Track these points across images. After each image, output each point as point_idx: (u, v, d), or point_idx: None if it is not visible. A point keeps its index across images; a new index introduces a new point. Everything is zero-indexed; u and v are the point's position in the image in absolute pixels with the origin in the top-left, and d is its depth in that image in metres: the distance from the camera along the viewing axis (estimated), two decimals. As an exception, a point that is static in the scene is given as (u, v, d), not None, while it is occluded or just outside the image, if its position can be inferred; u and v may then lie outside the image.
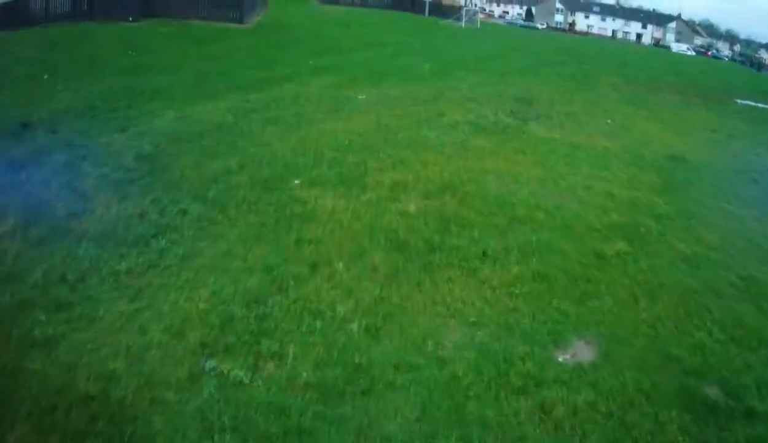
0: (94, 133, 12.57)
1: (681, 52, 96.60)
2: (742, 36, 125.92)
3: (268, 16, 42.66)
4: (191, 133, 13.31)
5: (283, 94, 18.40)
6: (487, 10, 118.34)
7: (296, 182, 11.04)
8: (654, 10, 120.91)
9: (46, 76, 16.82)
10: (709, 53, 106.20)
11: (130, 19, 29.82)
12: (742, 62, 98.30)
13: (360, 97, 19.61)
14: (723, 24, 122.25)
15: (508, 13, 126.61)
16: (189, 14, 33.41)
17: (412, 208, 10.38)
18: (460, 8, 70.88)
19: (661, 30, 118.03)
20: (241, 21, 35.43)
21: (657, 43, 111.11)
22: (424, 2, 72.03)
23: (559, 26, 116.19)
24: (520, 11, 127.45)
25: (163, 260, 7.83)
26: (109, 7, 29.54)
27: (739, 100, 32.27)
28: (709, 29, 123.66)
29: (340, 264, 8.21)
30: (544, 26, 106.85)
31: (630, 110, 23.37)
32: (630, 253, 9.69)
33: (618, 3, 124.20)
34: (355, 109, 17.64)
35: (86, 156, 11.05)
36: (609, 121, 20.54)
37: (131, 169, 10.77)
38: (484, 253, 8.95)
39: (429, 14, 69.29)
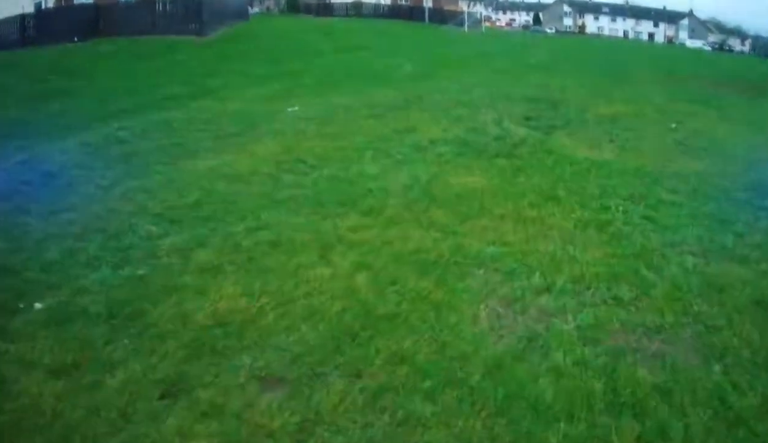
0: None
1: (697, 48, 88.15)
2: (751, 31, 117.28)
3: (242, 27, 36.45)
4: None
5: (188, 113, 12.46)
6: (493, 18, 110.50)
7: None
8: (665, 7, 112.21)
9: None
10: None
11: (75, 40, 26.40)
12: (761, 55, 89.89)
13: (291, 109, 12.82)
14: (730, 21, 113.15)
15: (514, 20, 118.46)
16: (144, 30, 28.89)
17: None
18: (462, 13, 63.01)
19: (674, 27, 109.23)
20: (201, 33, 30.16)
21: (670, 41, 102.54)
22: (424, 9, 64.43)
23: (568, 30, 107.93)
24: (527, 18, 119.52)
25: None
26: (56, 30, 26.41)
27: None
28: (719, 26, 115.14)
29: None
30: (553, 30, 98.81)
31: (690, 108, 15.65)
32: None
33: (627, 2, 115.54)
34: (271, 131, 10.76)
35: None
36: (673, 125, 12.77)
37: None
38: None
39: (429, 21, 61.63)
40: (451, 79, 17.85)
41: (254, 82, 16.90)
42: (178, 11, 31.33)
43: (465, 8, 70.41)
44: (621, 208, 6.81)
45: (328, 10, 64.62)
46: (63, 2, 34.97)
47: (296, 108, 12.85)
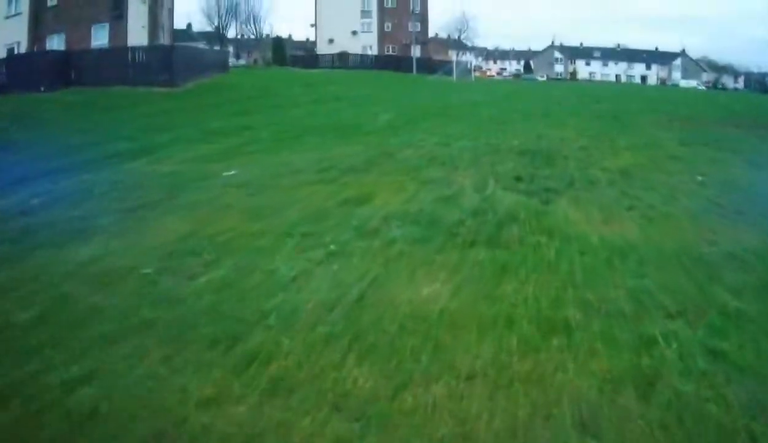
0: None
1: (691, 87, 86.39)
2: (742, 68, 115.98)
3: (220, 79, 34.43)
4: None
5: (118, 176, 10.27)
6: (483, 68, 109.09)
7: None
8: (656, 48, 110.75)
9: None
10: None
11: (42, 89, 24.81)
12: (756, 90, 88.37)
13: (227, 173, 10.31)
14: (721, 58, 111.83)
15: (505, 69, 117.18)
16: (114, 80, 27.21)
17: None
18: (451, 62, 61.08)
19: (666, 68, 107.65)
20: (172, 85, 28.25)
21: (663, 82, 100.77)
22: (411, 59, 62.62)
23: (560, 76, 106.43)
24: (518, 66, 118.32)
25: None
26: (25, 78, 25.23)
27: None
28: (711, 64, 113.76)
29: None
30: (544, 78, 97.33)
31: (709, 154, 13.22)
32: None
33: (619, 46, 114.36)
34: (188, 204, 8.22)
35: None
36: (700, 177, 10.13)
37: None
38: None
39: (418, 71, 59.71)
40: (431, 130, 15.27)
41: (206, 138, 14.44)
42: (151, 61, 29.37)
43: (454, 57, 68.78)
44: (671, 341, 4.05)
45: (313, 62, 63.06)
46: (35, 47, 33.02)
47: (233, 172, 10.26)
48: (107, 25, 34.61)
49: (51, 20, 33.77)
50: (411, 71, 59.69)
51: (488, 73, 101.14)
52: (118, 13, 34.92)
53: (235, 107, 21.68)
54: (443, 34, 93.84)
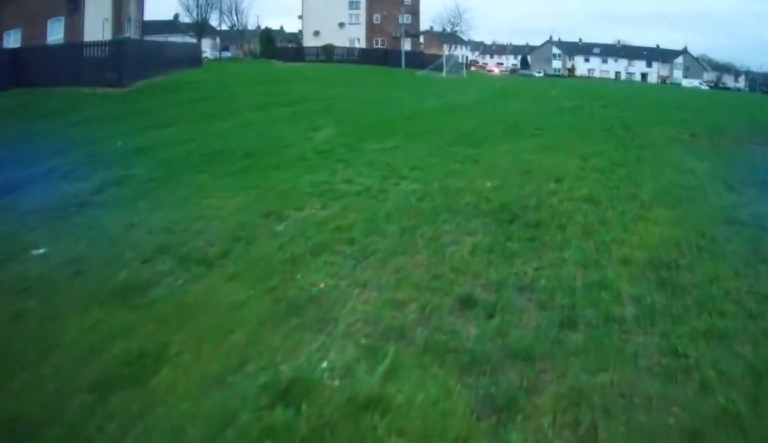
0: None
1: (693, 87, 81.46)
2: (742, 68, 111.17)
3: (181, 76, 29.78)
4: None
5: None
6: (480, 63, 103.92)
7: None
8: (658, 46, 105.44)
9: None
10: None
11: None
12: (762, 91, 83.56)
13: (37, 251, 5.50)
14: (721, 57, 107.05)
15: (502, 64, 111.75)
16: (64, 80, 23.51)
17: None
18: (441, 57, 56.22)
19: (668, 67, 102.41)
20: (119, 84, 24.22)
21: (664, 81, 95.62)
22: (400, 53, 57.71)
23: (557, 72, 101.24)
24: (515, 61, 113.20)
25: None
26: None
27: None
28: (711, 63, 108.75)
29: None
30: (542, 74, 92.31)
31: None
32: None
33: (619, 42, 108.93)
34: None
35: None
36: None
37: None
38: None
39: (406, 66, 54.82)
40: (373, 158, 10.54)
41: (79, 170, 9.98)
42: (101, 58, 24.73)
43: (444, 52, 63.71)
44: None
45: (299, 55, 58.40)
46: None
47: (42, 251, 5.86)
48: (63, 19, 29.91)
49: (8, 15, 29.13)
50: (399, 66, 54.90)
51: (487, 68, 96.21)
52: (73, 6, 30.12)
53: (160, 116, 17.02)
54: (438, 28, 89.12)
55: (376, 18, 64.22)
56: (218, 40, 74.97)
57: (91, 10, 31.04)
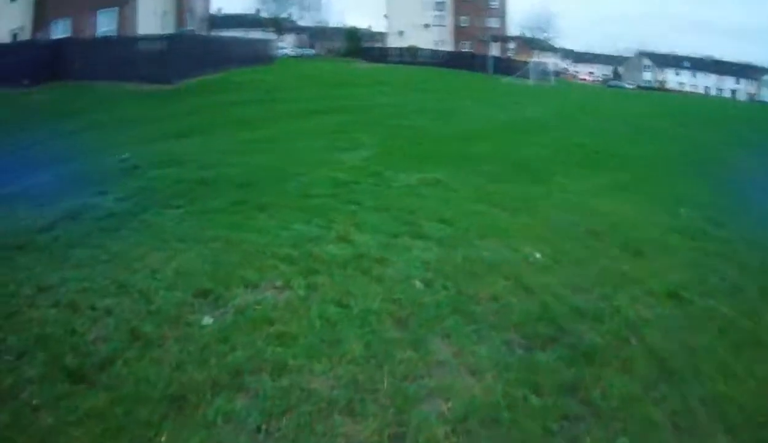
0: None
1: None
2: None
3: (235, 74, 27.72)
4: None
5: None
6: (571, 71, 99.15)
7: None
8: (748, 63, 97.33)
9: None
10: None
11: (25, 83, 21.39)
12: None
13: None
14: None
15: (593, 73, 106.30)
16: (107, 75, 22.52)
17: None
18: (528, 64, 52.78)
19: (756, 84, 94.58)
20: (167, 82, 22.79)
21: (752, 99, 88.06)
22: (487, 58, 54.70)
23: (649, 85, 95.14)
24: (607, 71, 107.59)
25: None
26: (10, 69, 21.43)
27: None
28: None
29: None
30: (633, 86, 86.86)
31: None
32: None
33: (708, 57, 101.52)
34: None
35: None
36: None
37: None
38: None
39: (494, 72, 51.73)
40: (395, 201, 8.03)
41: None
42: (151, 53, 23.31)
43: (533, 58, 60.19)
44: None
45: (381, 56, 56.35)
46: (39, 33, 28.03)
47: None
48: (116, 11, 28.88)
49: (56, 4, 28.40)
50: (485, 71, 51.95)
51: (580, 77, 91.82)
52: (126, -3, 29.15)
53: (187, 122, 15.34)
54: (528, 34, 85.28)
55: (463, 21, 61.50)
56: (301, 37, 73.81)
57: (146, 2, 29.95)
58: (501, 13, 63.79)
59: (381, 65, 49.45)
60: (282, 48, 57.88)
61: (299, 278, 5.24)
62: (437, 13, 61.25)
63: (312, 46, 74.88)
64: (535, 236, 6.88)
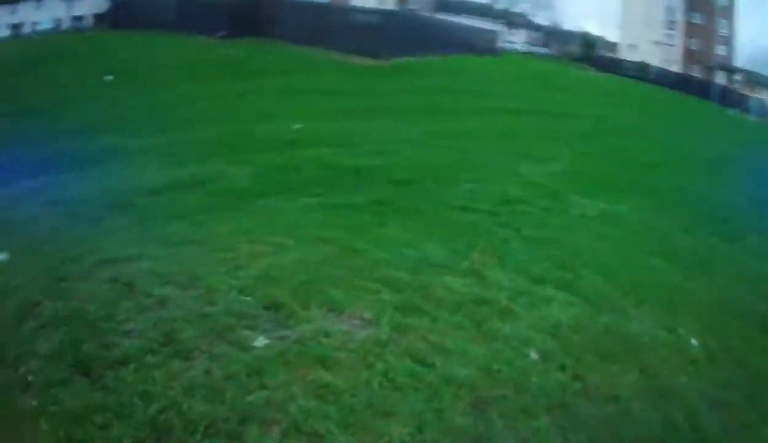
0: None
1: None
2: None
3: (450, 60, 26.64)
4: None
5: None
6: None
7: None
8: None
9: None
10: None
11: (220, 34, 21.69)
12: None
13: None
14: None
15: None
16: (310, 40, 22.18)
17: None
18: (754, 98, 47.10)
19: None
20: (376, 56, 22.54)
21: None
22: (713, 86, 49.49)
23: None
24: None
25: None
26: (204, 19, 22.07)
27: None
28: None
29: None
30: None
31: None
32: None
33: None
34: None
35: None
36: None
37: None
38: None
39: (720, 102, 46.50)
40: (566, 242, 6.63)
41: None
42: (364, 25, 23.26)
43: (756, 94, 53.45)
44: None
45: (613, 66, 52.96)
46: None
47: None
48: None
49: None
50: (712, 99, 46.93)
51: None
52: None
53: (386, 101, 14.90)
54: (753, 68, 76.93)
55: (693, 43, 56.30)
56: (535, 34, 71.53)
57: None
58: (729, 42, 57.69)
59: (611, 76, 46.75)
60: (511, 42, 56.25)
61: (394, 314, 4.25)
62: (668, 31, 56.65)
63: (546, 46, 72.23)
64: (703, 314, 5.31)
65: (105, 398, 3.14)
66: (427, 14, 38.61)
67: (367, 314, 4.19)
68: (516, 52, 52.08)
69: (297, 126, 10.63)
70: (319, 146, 9.32)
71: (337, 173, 7.92)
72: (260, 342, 3.76)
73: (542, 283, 5.17)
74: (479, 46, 34.43)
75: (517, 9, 69.92)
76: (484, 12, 65.35)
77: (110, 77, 14.57)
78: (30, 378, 3.33)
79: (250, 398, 3.19)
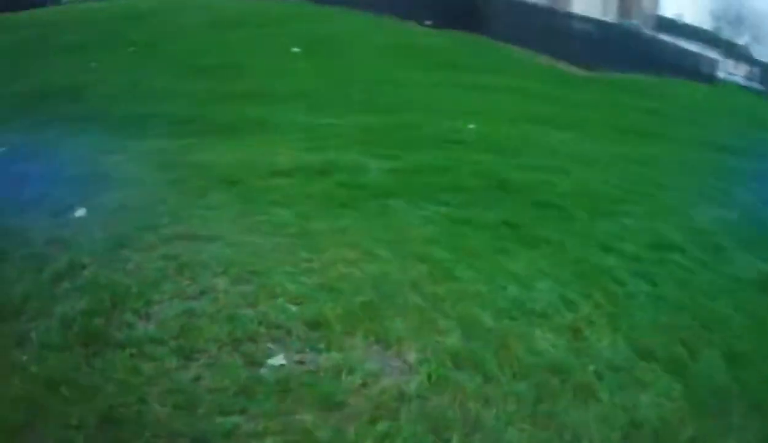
0: None
1: None
2: None
3: (657, 82, 24.34)
4: None
5: None
6: None
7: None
8: None
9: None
10: None
11: (427, 23, 21.08)
12: None
13: None
14: None
15: None
16: (521, 40, 21.30)
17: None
18: None
19: None
20: (588, 67, 21.73)
21: None
22: None
23: None
24: None
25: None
26: (417, 7, 21.68)
27: None
28: None
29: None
30: None
31: None
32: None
33: None
34: None
35: None
36: None
37: None
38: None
39: None
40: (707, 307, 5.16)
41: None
42: (579, 33, 22.57)
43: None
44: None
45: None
46: None
47: None
48: None
49: None
50: None
51: None
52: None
53: (583, 113, 14.03)
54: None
55: None
56: (751, 68, 65.34)
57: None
58: None
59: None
60: (732, 73, 51.60)
61: (441, 364, 3.42)
62: None
63: (762, 82, 65.56)
64: None
65: (83, 374, 2.98)
66: (649, 32, 36.38)
67: (412, 357, 3.42)
68: (735, 84, 47.52)
69: (471, 126, 9.94)
70: (484, 150, 8.51)
71: (484, 182, 7.04)
72: (276, 360, 3.24)
73: (649, 359, 4.14)
74: (694, 72, 31.79)
75: (740, 40, 64.39)
76: (707, 39, 60.45)
77: (297, 49, 14.75)
78: (32, 334, 3.28)
79: (219, 420, 2.74)
